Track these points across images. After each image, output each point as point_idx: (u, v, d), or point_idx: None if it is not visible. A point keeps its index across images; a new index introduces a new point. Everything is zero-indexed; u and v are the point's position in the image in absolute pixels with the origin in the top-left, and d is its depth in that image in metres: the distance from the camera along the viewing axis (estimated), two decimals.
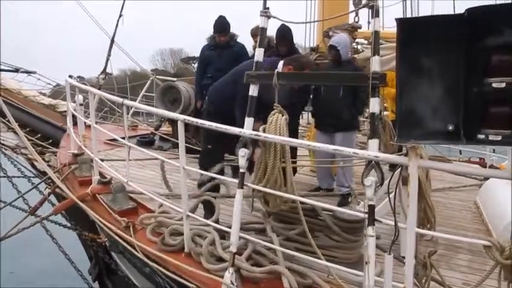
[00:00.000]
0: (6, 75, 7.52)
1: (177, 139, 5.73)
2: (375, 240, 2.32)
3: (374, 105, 2.43)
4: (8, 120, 6.55)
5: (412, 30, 2.15)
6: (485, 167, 7.44)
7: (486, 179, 6.00)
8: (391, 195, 2.52)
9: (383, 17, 4.97)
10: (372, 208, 2.34)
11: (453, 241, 3.61)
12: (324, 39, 5.26)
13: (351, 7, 5.41)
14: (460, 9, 2.14)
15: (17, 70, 8.17)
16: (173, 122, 6.65)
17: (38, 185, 5.40)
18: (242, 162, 2.71)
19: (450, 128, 2.12)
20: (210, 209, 3.61)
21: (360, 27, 5.38)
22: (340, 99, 4.40)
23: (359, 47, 5.40)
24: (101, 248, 4.65)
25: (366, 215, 2.33)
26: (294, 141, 2.50)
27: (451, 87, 2.12)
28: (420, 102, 2.17)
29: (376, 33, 2.51)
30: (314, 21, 4.61)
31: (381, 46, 4.92)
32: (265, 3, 2.87)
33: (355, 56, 5.09)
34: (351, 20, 5.42)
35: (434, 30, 2.11)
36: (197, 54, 5.95)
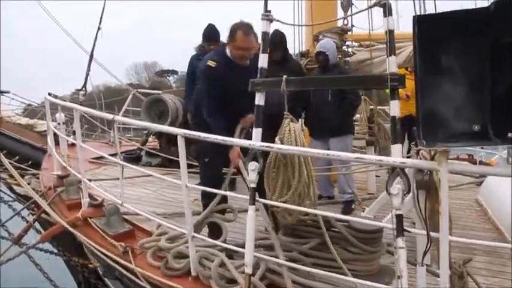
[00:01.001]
0: None
1: (165, 154, 5.53)
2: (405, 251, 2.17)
3: (394, 107, 2.29)
4: None
5: (431, 27, 2.03)
6: (475, 164, 7.46)
7: (484, 176, 6.01)
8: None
9: (369, 22, 4.84)
10: (400, 218, 2.19)
11: (468, 243, 3.50)
12: (314, 43, 5.15)
13: (339, 10, 5.34)
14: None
15: None
16: (160, 136, 6.41)
17: (21, 210, 5.06)
18: (252, 176, 2.52)
19: (476, 128, 1.98)
20: (213, 229, 3.40)
21: (349, 30, 5.30)
22: (329, 104, 4.31)
23: (349, 49, 5.31)
24: (92, 274, 4.37)
25: (392, 225, 2.20)
26: (313, 151, 2.33)
27: (475, 85, 1.98)
28: (442, 102, 2.03)
29: (390, 32, 2.37)
30: (318, 23, 4.48)
31: (373, 48, 4.92)
32: (266, 6, 2.71)
33: (348, 59, 4.99)
34: (339, 23, 5.34)
35: (456, 26, 1.99)
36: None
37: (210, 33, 4.84)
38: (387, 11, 2.39)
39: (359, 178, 5.17)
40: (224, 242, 3.13)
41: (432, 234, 2.16)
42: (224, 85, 3.30)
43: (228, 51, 3.37)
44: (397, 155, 2.24)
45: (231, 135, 3.24)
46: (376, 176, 5.36)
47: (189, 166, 3.64)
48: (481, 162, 7.66)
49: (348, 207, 4.38)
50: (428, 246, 2.16)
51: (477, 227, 4.19)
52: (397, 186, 2.17)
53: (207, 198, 3.52)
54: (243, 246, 3.09)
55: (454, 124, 2.01)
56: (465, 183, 5.61)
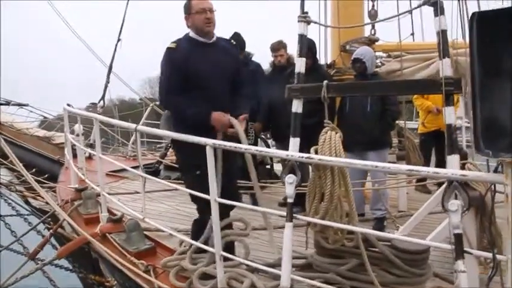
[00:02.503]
0: None
1: None
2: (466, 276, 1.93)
3: (449, 114, 2.07)
4: (1, 156, 6.18)
5: (492, 26, 1.82)
6: None
7: None
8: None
9: (399, 29, 4.63)
10: (459, 237, 1.95)
11: None
12: (341, 53, 4.97)
13: (366, 18, 5.16)
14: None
15: (8, 103, 7.77)
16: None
17: (37, 224, 4.90)
18: (290, 190, 2.31)
19: None
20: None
21: (377, 40, 5.10)
22: (369, 115, 4.05)
23: (377, 60, 5.11)
24: None
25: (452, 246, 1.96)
26: (355, 162, 2.11)
27: None
28: (502, 109, 1.81)
29: (443, 33, 2.17)
30: (361, 25, 4.30)
31: (403, 58, 4.71)
32: (302, 7, 2.54)
33: (377, 69, 4.78)
34: (366, 33, 5.15)
35: None
36: None
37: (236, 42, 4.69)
38: (439, 10, 2.19)
39: (392, 195, 4.90)
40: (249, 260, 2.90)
41: (499, 257, 1.91)
42: (191, 68, 3.01)
43: (191, 33, 3.11)
44: (455, 167, 2.01)
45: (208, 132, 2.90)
46: (406, 193, 5.11)
47: None
48: None
49: (380, 225, 4.13)
50: (494, 271, 1.91)
51: None
52: (456, 202, 1.94)
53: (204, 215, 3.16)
54: (271, 266, 2.88)
55: None
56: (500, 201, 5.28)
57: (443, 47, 2.17)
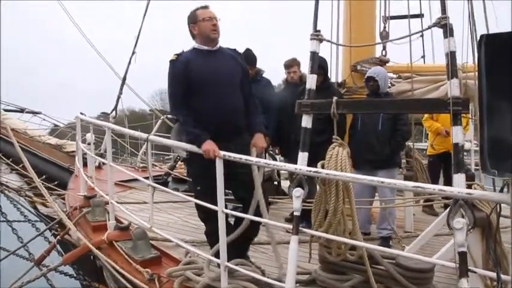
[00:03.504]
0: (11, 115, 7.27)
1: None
2: None
3: (457, 134, 2.11)
4: (12, 161, 6.28)
5: (500, 48, 1.87)
6: None
7: None
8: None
9: (410, 50, 4.69)
10: (464, 256, 1.96)
11: None
12: (352, 73, 5.03)
13: (378, 39, 5.24)
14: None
15: (22, 110, 7.94)
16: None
17: (44, 231, 4.95)
18: (297, 204, 2.34)
19: None
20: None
21: (387, 61, 5.17)
22: (380, 133, 4.08)
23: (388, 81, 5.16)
24: None
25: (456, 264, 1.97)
26: (361, 177, 2.14)
27: None
28: (509, 130, 1.84)
29: (452, 54, 2.22)
30: (372, 44, 4.37)
31: (414, 80, 4.76)
32: (315, 25, 2.61)
33: (387, 90, 4.83)
34: (377, 54, 5.23)
35: None
36: None
37: (247, 58, 4.77)
38: (448, 32, 2.25)
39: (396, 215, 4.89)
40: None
41: (504, 277, 1.92)
42: (192, 73, 3.09)
43: (195, 44, 3.21)
44: (461, 185, 2.03)
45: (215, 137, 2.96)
46: (413, 214, 5.09)
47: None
48: None
49: (385, 244, 4.11)
50: None
51: None
52: (461, 220, 1.96)
53: (210, 235, 3.28)
54: (276, 280, 2.88)
55: None
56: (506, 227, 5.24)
57: (452, 68, 2.22)
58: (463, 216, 1.99)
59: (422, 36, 6.62)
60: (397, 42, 5.46)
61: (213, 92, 3.07)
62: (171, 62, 3.17)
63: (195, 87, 3.09)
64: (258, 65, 5.03)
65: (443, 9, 2.31)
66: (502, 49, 1.86)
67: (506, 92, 1.85)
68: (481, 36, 1.94)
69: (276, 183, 5.88)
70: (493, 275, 1.94)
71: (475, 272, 1.99)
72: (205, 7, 3.19)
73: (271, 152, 5.76)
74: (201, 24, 3.14)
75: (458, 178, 2.04)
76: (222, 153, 2.74)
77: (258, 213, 2.94)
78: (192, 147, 2.99)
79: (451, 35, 2.25)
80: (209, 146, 2.90)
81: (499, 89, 1.87)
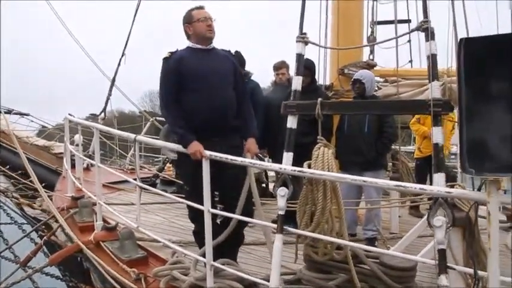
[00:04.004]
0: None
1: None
2: None
3: (437, 135, 2.16)
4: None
5: (479, 51, 1.92)
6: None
7: (510, 221, 5.74)
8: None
9: (397, 54, 4.77)
10: (443, 253, 2.01)
11: None
12: (339, 76, 5.09)
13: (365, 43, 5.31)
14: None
15: (9, 112, 7.86)
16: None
17: (31, 232, 4.92)
18: (282, 203, 2.38)
19: None
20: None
21: (375, 65, 5.24)
22: (366, 136, 4.14)
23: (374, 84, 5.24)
24: None
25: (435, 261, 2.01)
26: (346, 176, 2.18)
27: None
28: (489, 132, 1.90)
29: (433, 57, 2.28)
30: (358, 47, 4.43)
31: (400, 83, 4.84)
32: (301, 28, 2.66)
33: (374, 93, 4.90)
34: (365, 58, 5.30)
35: (506, 50, 1.88)
36: None
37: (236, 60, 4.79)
38: (429, 35, 2.30)
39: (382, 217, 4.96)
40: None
41: (481, 273, 1.97)
42: (184, 69, 3.12)
43: (190, 44, 3.25)
44: (440, 184, 2.09)
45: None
46: (398, 216, 5.16)
47: None
48: (504, 208, 7.36)
49: (370, 245, 4.15)
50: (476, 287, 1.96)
51: None
52: (441, 218, 2.01)
53: (197, 235, 3.33)
54: (265, 280, 2.91)
55: (502, 154, 1.86)
56: None
57: (433, 70, 2.27)
58: (444, 216, 2.04)
59: (409, 41, 6.73)
60: (384, 46, 5.57)
61: (205, 89, 3.09)
62: (165, 59, 3.20)
63: (187, 84, 3.11)
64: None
65: (425, 13, 2.37)
66: (481, 52, 1.92)
67: (485, 94, 1.91)
68: (460, 40, 2.00)
69: (263, 185, 5.90)
70: (471, 271, 1.98)
71: (453, 269, 2.03)
72: (201, 7, 3.24)
73: (259, 155, 5.79)
74: (196, 25, 3.18)
75: (438, 177, 2.09)
76: (209, 153, 2.77)
77: (244, 214, 2.98)
78: (179, 147, 3.02)
79: (432, 38, 2.30)
80: (195, 148, 2.92)
81: (478, 92, 1.92)
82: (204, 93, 3.10)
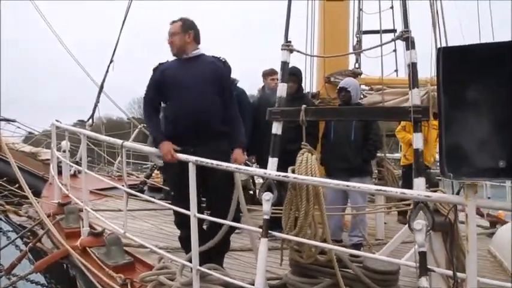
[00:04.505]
0: None
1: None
2: None
3: (417, 140, 2.23)
4: None
5: (456, 59, 2.00)
6: (482, 216, 7.31)
7: (493, 227, 5.86)
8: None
9: (382, 62, 4.88)
10: (423, 255, 2.07)
11: None
12: (325, 85, 5.18)
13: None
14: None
15: None
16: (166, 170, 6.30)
17: (16, 239, 4.88)
18: (267, 207, 2.42)
19: (501, 164, 1.91)
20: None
21: (360, 74, 5.35)
22: (352, 143, 4.22)
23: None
24: None
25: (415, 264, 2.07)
26: (329, 181, 2.24)
27: (501, 120, 1.94)
28: (467, 138, 1.97)
29: (413, 65, 2.35)
30: (343, 54, 4.51)
31: (385, 91, 4.93)
32: (286, 36, 2.72)
33: (359, 101, 4.99)
34: (350, 66, 5.41)
35: (482, 59, 1.96)
36: None
37: None
38: (409, 45, 2.38)
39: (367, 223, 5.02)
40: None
41: (459, 274, 2.02)
42: (167, 77, 3.27)
43: None
44: (421, 188, 2.15)
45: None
46: (384, 223, 5.23)
47: None
48: (488, 215, 7.50)
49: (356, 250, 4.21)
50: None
51: (494, 277, 3.99)
52: (420, 222, 2.07)
53: (183, 241, 3.36)
54: (250, 284, 2.93)
55: (479, 159, 1.93)
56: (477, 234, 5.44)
57: (413, 78, 2.35)
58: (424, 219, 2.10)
59: (395, 51, 6.88)
60: (370, 55, 5.68)
61: (185, 96, 3.17)
62: (153, 70, 3.38)
63: (171, 93, 3.24)
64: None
65: (406, 24, 2.45)
66: (458, 61, 1.99)
67: (462, 101, 1.98)
68: (439, 49, 2.07)
69: (251, 192, 5.93)
70: (450, 273, 2.04)
71: (433, 271, 2.08)
72: (172, 22, 3.37)
73: (247, 162, 5.82)
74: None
75: (419, 182, 2.15)
76: (194, 158, 2.79)
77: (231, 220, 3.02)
78: (151, 150, 3.11)
79: (413, 47, 2.38)
80: (166, 147, 3.07)
81: (456, 99, 1.99)
82: (183, 101, 3.19)
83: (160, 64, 3.38)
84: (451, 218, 2.47)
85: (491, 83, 1.93)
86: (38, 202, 5.23)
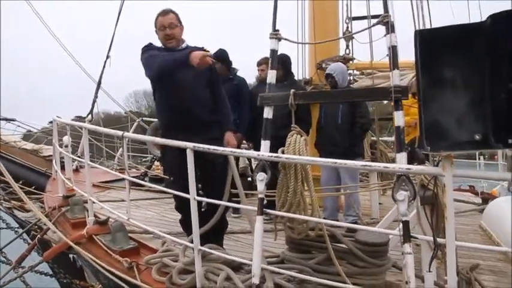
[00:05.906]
0: None
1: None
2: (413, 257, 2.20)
3: (398, 118, 2.38)
4: None
5: (432, 41, 2.14)
6: (477, 194, 7.49)
7: (485, 203, 6.04)
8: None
9: (371, 47, 5.02)
10: (406, 224, 2.23)
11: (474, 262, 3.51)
12: (317, 71, 5.32)
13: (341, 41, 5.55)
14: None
15: None
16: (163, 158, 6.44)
17: (23, 232, 5.04)
18: (261, 187, 2.57)
19: (477, 137, 2.06)
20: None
21: (351, 59, 5.48)
22: (339, 126, 4.39)
23: (351, 77, 5.48)
24: None
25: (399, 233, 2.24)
26: (317, 159, 2.39)
27: (476, 96, 2.08)
28: (444, 113, 2.12)
29: (393, 48, 2.50)
30: (332, 40, 4.64)
31: (375, 75, 5.08)
32: (274, 25, 2.86)
33: (350, 85, 5.14)
34: (341, 52, 5.54)
35: (456, 40, 2.10)
36: None
37: (221, 57, 4.90)
38: (390, 28, 2.53)
39: (362, 204, 5.19)
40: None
41: (439, 240, 2.19)
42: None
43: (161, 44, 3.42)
44: (402, 162, 2.30)
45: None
46: (380, 203, 5.40)
47: None
48: (482, 193, 7.68)
49: (351, 230, 4.38)
50: (435, 252, 2.19)
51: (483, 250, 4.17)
52: (403, 193, 2.22)
53: (183, 223, 3.55)
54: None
55: (456, 134, 2.08)
56: (468, 210, 5.63)
57: (394, 60, 2.50)
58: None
59: (385, 38, 6.96)
60: (361, 41, 5.80)
61: (175, 86, 3.26)
62: (144, 47, 3.35)
63: (159, 82, 3.33)
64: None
65: (386, 9, 2.59)
66: (433, 43, 2.14)
67: (439, 80, 2.13)
68: (415, 31, 2.22)
69: (249, 179, 6.09)
70: (430, 238, 2.20)
71: (416, 238, 2.25)
72: (164, 13, 3.34)
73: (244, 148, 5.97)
74: (158, 33, 3.37)
75: (400, 157, 2.31)
76: (192, 145, 2.94)
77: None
78: (168, 142, 3.16)
79: (393, 31, 2.53)
80: (197, 52, 3.05)
81: (433, 78, 2.14)
82: (173, 91, 3.28)
83: (149, 44, 3.38)
84: (436, 193, 2.64)
85: (463, 62, 2.08)
86: (42, 197, 5.43)
